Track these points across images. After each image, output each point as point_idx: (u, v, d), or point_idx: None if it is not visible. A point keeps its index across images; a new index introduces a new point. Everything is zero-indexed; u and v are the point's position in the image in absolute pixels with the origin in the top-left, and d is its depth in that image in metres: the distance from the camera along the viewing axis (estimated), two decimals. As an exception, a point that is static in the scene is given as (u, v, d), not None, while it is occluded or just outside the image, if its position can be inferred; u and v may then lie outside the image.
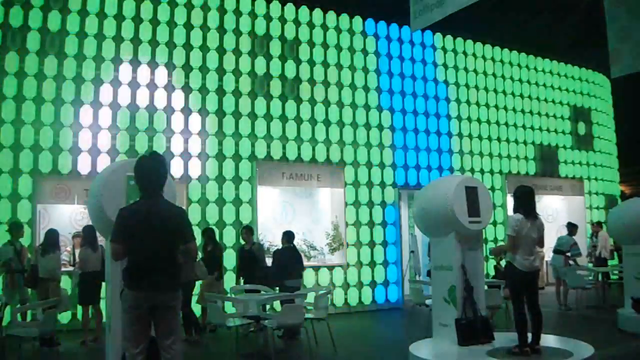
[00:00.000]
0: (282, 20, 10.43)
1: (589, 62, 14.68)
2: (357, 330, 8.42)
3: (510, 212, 5.90)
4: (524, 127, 13.34)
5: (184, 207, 8.63)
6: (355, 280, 10.40)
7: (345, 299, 10.26)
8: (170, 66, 9.38)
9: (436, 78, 11.99)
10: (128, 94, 9.03)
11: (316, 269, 10.09)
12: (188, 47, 9.57)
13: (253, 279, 7.82)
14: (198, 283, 7.83)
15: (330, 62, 10.73)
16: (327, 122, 10.53)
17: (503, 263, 7.23)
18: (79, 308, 7.66)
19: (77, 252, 8.34)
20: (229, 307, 8.66)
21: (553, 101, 14.02)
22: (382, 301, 10.58)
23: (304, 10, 10.67)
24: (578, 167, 14.25)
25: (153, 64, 9.26)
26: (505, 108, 13.08)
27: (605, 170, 14.99)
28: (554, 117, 13.97)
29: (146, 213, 3.61)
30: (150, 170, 3.75)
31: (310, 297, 7.49)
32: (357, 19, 11.16)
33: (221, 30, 9.87)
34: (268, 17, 10.30)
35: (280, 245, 8.31)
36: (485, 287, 6.34)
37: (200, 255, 7.82)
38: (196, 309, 7.85)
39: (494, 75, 13.01)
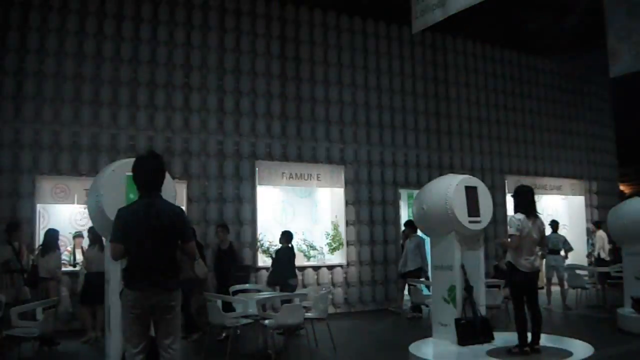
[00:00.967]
0: (282, 19, 10.43)
1: (589, 62, 14.65)
2: (357, 330, 8.42)
3: (510, 211, 5.89)
4: (523, 125, 13.34)
5: (184, 207, 8.63)
6: (355, 280, 10.39)
7: (345, 299, 10.26)
8: (170, 65, 9.38)
9: (436, 77, 11.98)
10: (128, 93, 9.02)
11: (316, 268, 10.09)
12: (188, 46, 9.57)
13: (228, 280, 7.45)
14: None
15: (330, 61, 10.73)
16: (327, 121, 10.53)
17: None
18: (79, 308, 7.65)
19: (77, 252, 8.36)
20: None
21: (553, 100, 14.01)
22: (382, 301, 10.57)
23: (304, 10, 10.67)
24: (578, 166, 14.25)
25: (153, 64, 9.25)
26: (505, 107, 13.07)
27: (605, 170, 14.98)
28: (553, 117, 13.96)
29: (145, 213, 3.61)
30: (149, 169, 3.74)
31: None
32: (357, 19, 11.16)
33: (221, 30, 9.87)
34: (268, 17, 10.30)
35: (279, 245, 8.32)
36: (485, 287, 6.34)
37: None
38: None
39: (494, 74, 13.01)
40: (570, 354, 5.25)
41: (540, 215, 5.65)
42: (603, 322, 8.37)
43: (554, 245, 9.99)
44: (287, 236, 8.24)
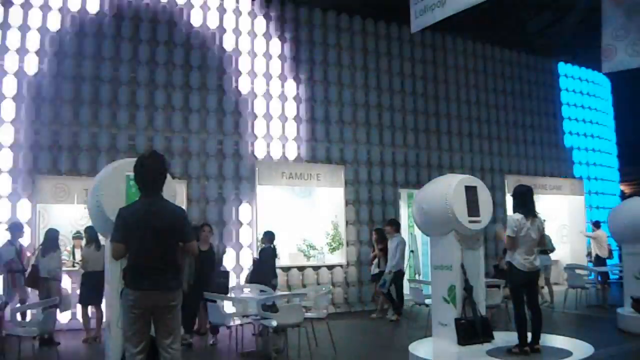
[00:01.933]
0: (282, 19, 10.43)
1: (589, 62, 14.67)
2: (357, 330, 8.42)
3: (509, 211, 5.89)
4: (523, 125, 13.35)
5: (183, 207, 8.63)
6: (355, 280, 10.39)
7: (345, 299, 10.26)
8: (169, 65, 9.38)
9: (436, 77, 11.99)
10: (128, 93, 9.03)
11: (316, 268, 10.09)
12: (188, 46, 9.57)
13: (207, 286, 6.77)
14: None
15: (330, 61, 10.73)
16: (327, 121, 10.53)
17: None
18: (78, 307, 7.66)
19: (77, 252, 8.36)
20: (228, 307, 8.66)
21: (553, 100, 14.02)
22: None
23: (303, 9, 10.67)
24: (578, 166, 14.25)
25: (153, 64, 9.25)
26: (505, 107, 13.08)
27: (605, 170, 14.98)
28: (553, 117, 13.96)
29: (146, 212, 3.61)
30: (150, 169, 3.75)
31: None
32: (357, 19, 11.16)
33: (221, 29, 9.87)
34: (268, 17, 10.30)
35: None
36: (485, 287, 6.34)
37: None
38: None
39: (494, 74, 13.01)
40: (570, 353, 5.24)
41: (540, 215, 5.64)
42: (603, 322, 8.37)
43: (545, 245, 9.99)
44: (269, 236, 8.24)
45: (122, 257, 3.64)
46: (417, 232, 10.77)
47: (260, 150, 9.87)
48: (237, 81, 9.86)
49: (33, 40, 8.56)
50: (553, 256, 14.14)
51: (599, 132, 14.98)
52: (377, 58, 11.26)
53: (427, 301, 7.33)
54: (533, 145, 13.45)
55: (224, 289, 6.87)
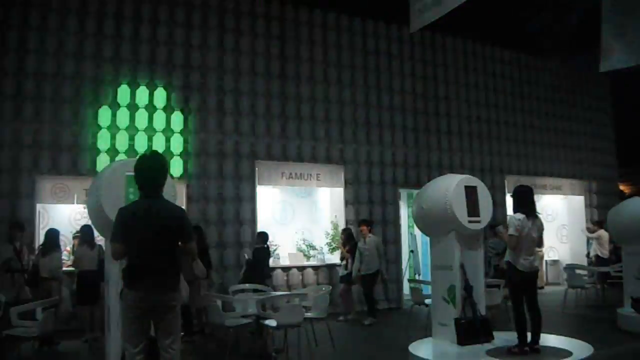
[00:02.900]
0: (282, 19, 10.44)
1: (589, 62, 14.66)
2: (357, 330, 8.41)
3: (509, 211, 5.90)
4: (523, 125, 13.35)
5: (183, 207, 8.63)
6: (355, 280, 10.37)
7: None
8: (170, 65, 9.38)
9: (436, 76, 11.99)
10: (128, 93, 9.03)
11: (316, 268, 10.09)
12: (188, 46, 9.57)
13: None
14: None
15: (330, 61, 10.73)
16: (327, 121, 10.53)
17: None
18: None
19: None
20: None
21: (552, 100, 14.02)
22: (382, 301, 10.56)
23: (303, 9, 10.67)
24: (578, 166, 14.25)
25: (153, 64, 9.25)
26: (505, 107, 13.08)
27: (605, 170, 14.97)
28: (553, 116, 13.96)
29: (146, 212, 3.61)
30: (150, 169, 3.74)
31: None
32: (357, 19, 11.16)
33: (220, 29, 9.87)
34: (268, 17, 10.30)
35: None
36: (485, 287, 6.34)
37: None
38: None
39: (493, 74, 13.01)
40: (569, 353, 5.25)
41: (540, 215, 5.65)
42: (603, 322, 8.37)
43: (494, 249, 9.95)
44: (262, 237, 8.31)
45: (122, 258, 3.64)
46: (417, 232, 10.76)
47: (260, 150, 9.87)
48: (237, 81, 9.86)
49: (33, 40, 8.56)
50: (553, 256, 14.23)
51: (599, 132, 14.97)
52: (377, 58, 11.26)
53: (427, 301, 7.33)
54: (533, 145, 13.44)
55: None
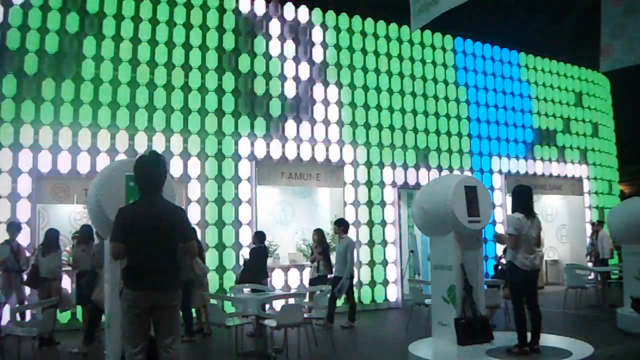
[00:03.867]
0: (282, 19, 10.44)
1: (589, 62, 14.67)
2: (356, 330, 8.42)
3: (509, 211, 5.90)
4: (523, 125, 13.35)
5: (183, 207, 8.63)
6: (354, 280, 10.37)
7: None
8: (169, 66, 9.38)
9: (435, 77, 11.99)
10: (127, 93, 9.03)
11: (316, 268, 10.07)
12: (187, 46, 9.57)
13: None
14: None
15: (329, 61, 10.73)
16: (326, 122, 10.53)
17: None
18: (78, 307, 7.66)
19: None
20: (228, 307, 8.67)
21: (552, 100, 14.02)
22: (382, 301, 10.57)
23: (303, 9, 10.67)
24: (578, 167, 14.25)
25: (152, 64, 9.26)
26: (504, 107, 13.08)
27: (605, 170, 14.98)
28: (553, 117, 13.96)
29: (146, 212, 3.62)
30: (150, 169, 3.75)
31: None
32: (357, 18, 11.16)
33: (220, 30, 9.87)
34: (267, 17, 10.30)
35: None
36: (485, 287, 6.34)
37: None
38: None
39: (493, 74, 13.02)
40: (569, 353, 5.24)
41: (537, 216, 5.65)
42: (603, 322, 8.37)
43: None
44: (260, 236, 8.26)
45: (122, 257, 3.64)
46: (417, 232, 10.77)
47: (260, 150, 9.87)
48: (237, 81, 9.86)
49: (33, 40, 8.56)
50: (553, 256, 14.24)
51: (598, 132, 14.97)
52: (377, 58, 11.25)
53: (427, 301, 7.33)
54: (532, 145, 13.44)
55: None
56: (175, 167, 9.10)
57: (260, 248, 8.15)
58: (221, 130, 9.61)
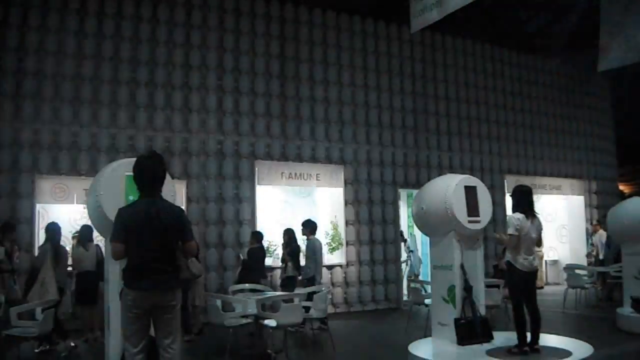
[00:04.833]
0: (282, 19, 10.43)
1: (589, 61, 14.66)
2: (356, 329, 8.42)
3: (509, 211, 5.90)
4: (523, 125, 13.35)
5: (183, 207, 8.63)
6: (354, 280, 10.39)
7: (345, 299, 10.25)
8: (169, 65, 9.38)
9: (435, 77, 11.99)
10: (127, 93, 9.03)
11: (316, 268, 10.07)
12: (188, 46, 9.57)
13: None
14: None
15: (329, 61, 10.74)
16: (326, 121, 10.53)
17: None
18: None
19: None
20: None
21: (552, 100, 14.02)
22: (382, 301, 10.57)
23: (302, 9, 10.67)
24: (578, 167, 14.25)
25: (152, 64, 9.26)
26: (504, 107, 13.08)
27: (605, 170, 14.98)
28: (553, 116, 13.96)
29: (145, 212, 3.62)
30: (150, 169, 3.75)
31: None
32: (356, 18, 11.16)
33: (220, 29, 9.87)
34: (267, 17, 10.30)
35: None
36: (485, 287, 6.34)
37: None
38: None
39: (493, 74, 13.02)
40: (569, 353, 5.25)
41: (538, 215, 5.65)
42: (603, 322, 8.37)
43: None
44: (257, 236, 8.25)
45: (122, 257, 3.64)
46: (417, 232, 10.76)
47: (260, 150, 9.87)
48: (236, 81, 9.86)
49: (33, 40, 8.56)
50: (553, 256, 14.24)
51: (599, 132, 14.97)
52: (377, 58, 11.25)
53: (427, 301, 7.33)
54: (532, 145, 13.44)
55: None
56: (175, 167, 9.10)
57: (258, 248, 8.15)
58: (221, 130, 9.61)
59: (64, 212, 9.12)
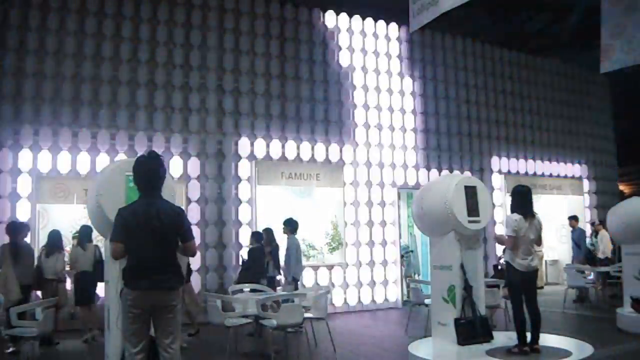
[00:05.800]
0: (282, 19, 10.44)
1: (589, 61, 14.66)
2: (356, 330, 8.42)
3: (509, 211, 5.89)
4: (523, 125, 13.35)
5: (183, 207, 8.63)
6: (354, 280, 10.39)
7: (345, 299, 10.25)
8: (169, 65, 9.39)
9: (435, 77, 11.99)
10: (127, 93, 9.03)
11: (315, 268, 10.09)
12: (188, 46, 9.58)
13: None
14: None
15: (329, 61, 10.74)
16: (326, 122, 10.53)
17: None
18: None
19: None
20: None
21: (552, 100, 14.01)
22: (382, 301, 10.57)
23: (302, 9, 10.67)
24: (578, 167, 14.25)
25: (152, 64, 9.26)
26: (504, 107, 13.08)
27: (605, 170, 14.97)
28: (553, 116, 13.96)
29: (145, 213, 3.62)
30: (149, 169, 3.75)
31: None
32: (356, 18, 11.16)
33: (220, 29, 9.87)
34: (267, 17, 10.31)
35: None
36: (485, 287, 6.34)
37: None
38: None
39: (493, 74, 13.02)
40: (569, 353, 5.25)
41: (537, 215, 5.64)
42: (603, 322, 8.37)
43: None
44: (256, 236, 8.25)
45: (122, 257, 3.65)
46: (417, 232, 10.76)
47: (259, 150, 9.87)
48: (236, 81, 9.86)
49: (33, 40, 8.57)
50: (553, 256, 14.24)
51: (599, 132, 14.97)
52: (376, 58, 11.25)
53: (427, 301, 7.33)
54: (533, 145, 13.44)
55: None
56: (175, 167, 9.10)
57: (258, 248, 8.14)
58: (221, 130, 9.61)
59: (64, 212, 9.13)
